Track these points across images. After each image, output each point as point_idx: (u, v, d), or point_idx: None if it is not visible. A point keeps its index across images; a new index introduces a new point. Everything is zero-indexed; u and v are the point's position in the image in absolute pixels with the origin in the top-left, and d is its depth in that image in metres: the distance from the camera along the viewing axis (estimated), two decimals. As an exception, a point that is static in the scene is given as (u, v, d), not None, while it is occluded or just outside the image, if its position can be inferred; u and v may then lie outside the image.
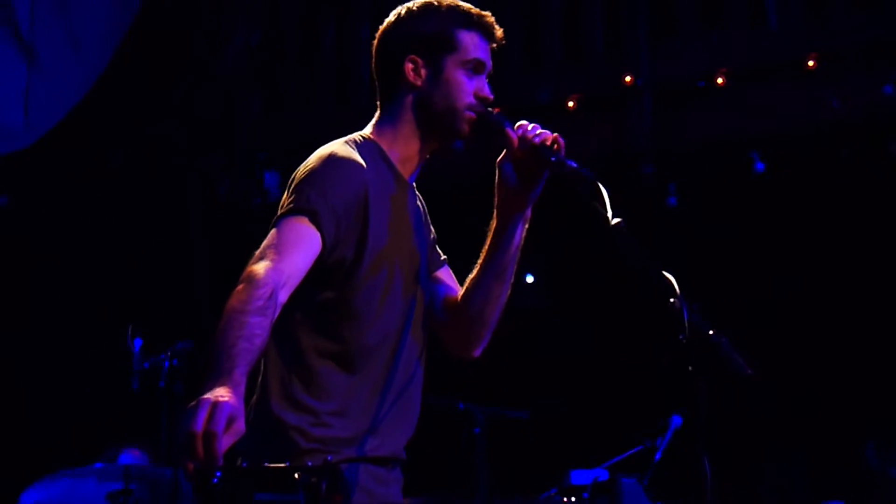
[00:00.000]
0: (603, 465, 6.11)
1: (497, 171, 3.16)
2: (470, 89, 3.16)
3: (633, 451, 6.31)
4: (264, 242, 2.87)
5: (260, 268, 2.76)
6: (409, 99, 3.19)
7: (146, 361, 5.75)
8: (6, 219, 8.57)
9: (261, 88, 8.64)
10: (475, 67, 3.18)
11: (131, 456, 6.44)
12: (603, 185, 2.88)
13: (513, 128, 3.10)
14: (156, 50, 8.74)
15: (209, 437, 2.36)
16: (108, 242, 8.46)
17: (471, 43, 3.18)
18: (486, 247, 3.23)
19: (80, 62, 8.46)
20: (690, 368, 2.60)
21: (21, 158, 8.40)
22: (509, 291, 3.28)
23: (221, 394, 2.44)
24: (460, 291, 3.31)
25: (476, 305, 3.25)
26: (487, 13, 3.24)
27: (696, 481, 2.62)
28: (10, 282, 8.39)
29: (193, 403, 2.41)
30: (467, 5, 3.25)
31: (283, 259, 2.81)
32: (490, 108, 3.17)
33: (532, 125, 3.09)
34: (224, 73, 8.63)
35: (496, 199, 3.19)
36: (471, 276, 3.27)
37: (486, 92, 3.18)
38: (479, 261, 3.25)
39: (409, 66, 3.18)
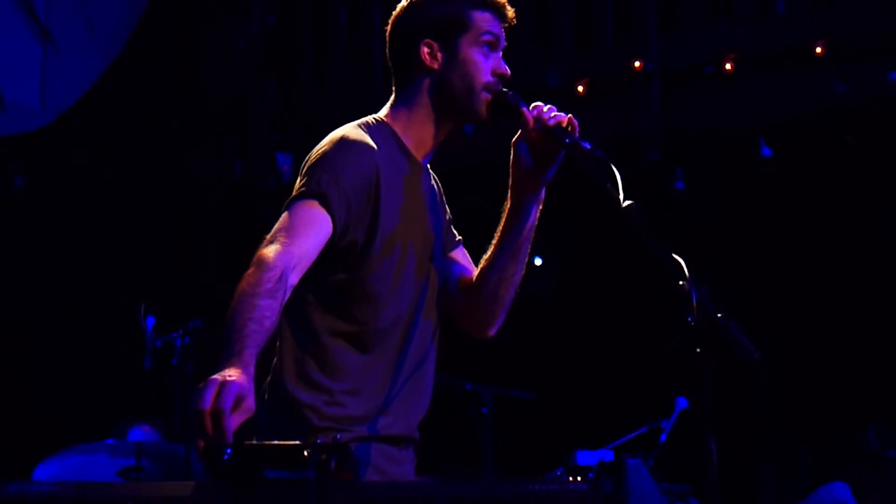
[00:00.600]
0: (608, 446, 6.11)
1: (512, 151, 3.15)
2: (487, 68, 3.14)
3: (638, 432, 6.31)
4: (276, 226, 2.87)
5: (270, 251, 2.76)
6: (426, 82, 3.18)
7: (158, 339, 5.76)
8: (23, 199, 8.57)
9: (275, 71, 8.63)
10: (490, 45, 3.16)
11: (142, 432, 6.45)
12: (613, 167, 2.87)
13: (528, 108, 3.08)
14: (171, 32, 8.74)
15: (217, 414, 2.36)
16: (122, 222, 8.47)
17: (483, 21, 3.16)
18: (501, 227, 3.22)
19: (96, 44, 8.46)
20: (698, 351, 2.59)
21: (36, 139, 8.40)
22: (522, 272, 3.26)
23: (230, 373, 2.44)
24: (475, 271, 3.30)
25: (490, 285, 3.24)
26: None
27: (702, 462, 2.61)
28: (26, 261, 8.39)
29: (202, 383, 2.42)
30: None
31: (294, 242, 2.81)
32: (505, 89, 3.15)
33: (548, 106, 3.06)
34: (238, 54, 8.62)
35: (511, 179, 3.18)
36: (485, 256, 3.26)
37: (503, 68, 3.16)
38: (494, 241, 3.24)
39: (425, 49, 3.16)
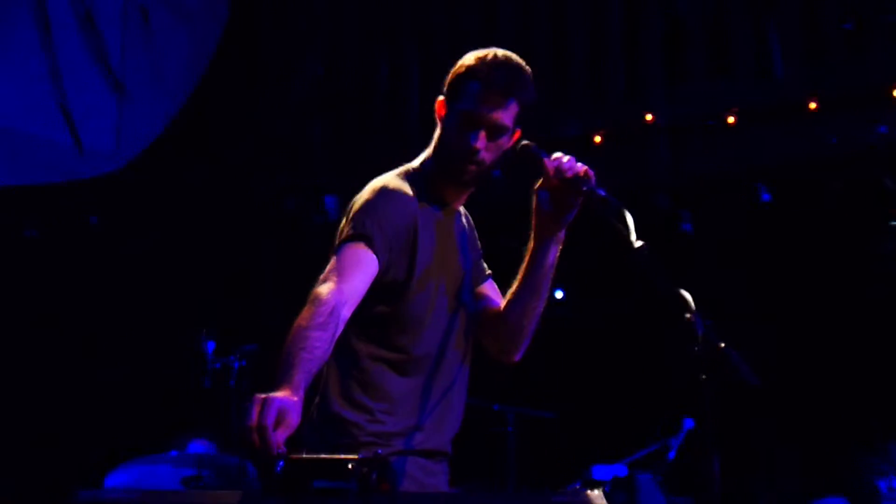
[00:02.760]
0: (622, 462, 6.08)
1: (534, 198, 3.16)
2: (464, 138, 3.07)
3: (649, 449, 6.28)
4: (328, 267, 2.90)
5: (323, 289, 2.79)
6: (437, 134, 3.19)
7: (217, 362, 5.78)
8: (96, 235, 8.63)
9: (323, 117, 8.67)
10: (470, 118, 3.06)
11: (200, 444, 6.47)
12: (626, 212, 2.88)
13: (549, 159, 3.09)
14: (232, 81, 8.80)
15: (261, 429, 2.40)
16: (186, 254, 8.51)
17: (470, 94, 3.07)
18: (524, 265, 3.23)
19: (165, 94, 8.53)
20: (702, 377, 2.59)
21: (109, 181, 8.47)
22: (544, 305, 3.27)
23: (275, 393, 2.48)
24: (502, 303, 3.31)
25: (514, 317, 3.26)
26: (501, 70, 3.08)
27: (707, 479, 2.60)
28: (100, 292, 8.45)
29: (249, 402, 2.46)
30: (490, 63, 3.09)
31: (344, 281, 2.84)
32: (527, 142, 3.14)
33: (567, 157, 3.07)
34: (293, 102, 8.67)
35: (533, 222, 3.19)
36: (510, 290, 3.27)
37: (470, 143, 3.05)
38: (518, 277, 3.25)
39: (439, 102, 3.18)
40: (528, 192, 3.17)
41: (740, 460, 7.33)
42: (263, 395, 2.46)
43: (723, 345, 2.62)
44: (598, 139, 7.67)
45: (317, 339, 2.67)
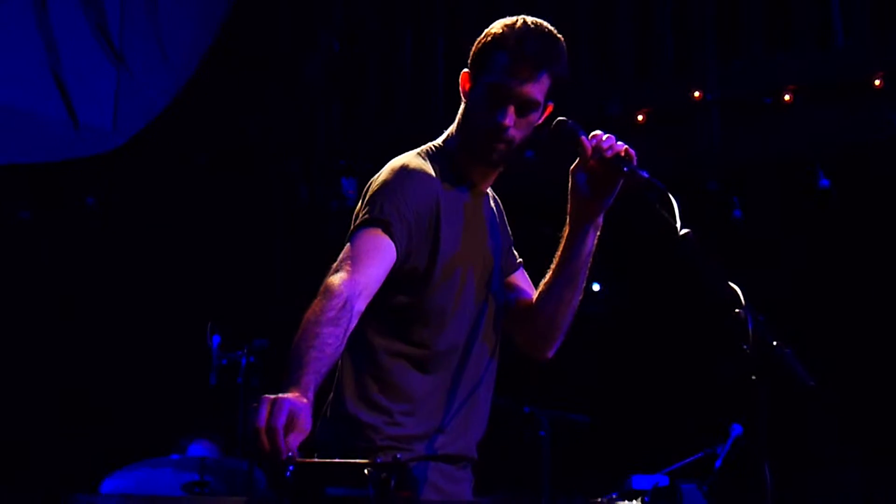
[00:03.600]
0: (663, 471, 6.07)
1: (570, 180, 3.14)
2: (491, 113, 3.04)
3: (693, 457, 6.27)
4: (341, 254, 2.87)
5: (335, 280, 2.76)
6: (462, 109, 3.17)
7: (224, 358, 5.79)
8: (94, 218, 8.67)
9: (340, 97, 8.68)
10: (498, 92, 3.03)
11: (201, 447, 6.48)
12: (671, 196, 2.86)
13: (587, 137, 3.07)
14: (240, 57, 8.82)
15: (271, 431, 2.38)
16: (190, 242, 8.54)
17: (498, 66, 3.04)
18: (559, 253, 3.22)
19: (168, 69, 8.55)
20: (753, 378, 2.57)
21: (108, 161, 8.50)
22: (580, 297, 3.26)
23: (284, 394, 2.46)
24: (535, 294, 3.30)
25: (548, 309, 3.25)
26: (531, 38, 3.03)
27: (756, 489, 2.59)
28: (97, 279, 8.48)
29: (256, 402, 2.45)
30: (524, 26, 3.06)
31: (358, 270, 2.81)
32: (564, 118, 3.12)
33: (606, 135, 3.05)
34: (306, 81, 8.68)
35: (569, 206, 3.17)
36: (544, 280, 3.26)
37: (501, 121, 3.03)
38: (552, 266, 3.24)
39: (464, 75, 3.15)
40: (563, 173, 3.16)
41: (794, 469, 7.31)
42: (273, 396, 2.44)
43: (776, 343, 2.61)
44: (640, 118, 7.65)
45: (328, 336, 2.64)
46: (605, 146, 3.03)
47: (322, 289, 2.75)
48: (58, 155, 8.35)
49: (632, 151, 3.03)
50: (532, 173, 6.31)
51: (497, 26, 3.10)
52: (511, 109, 3.04)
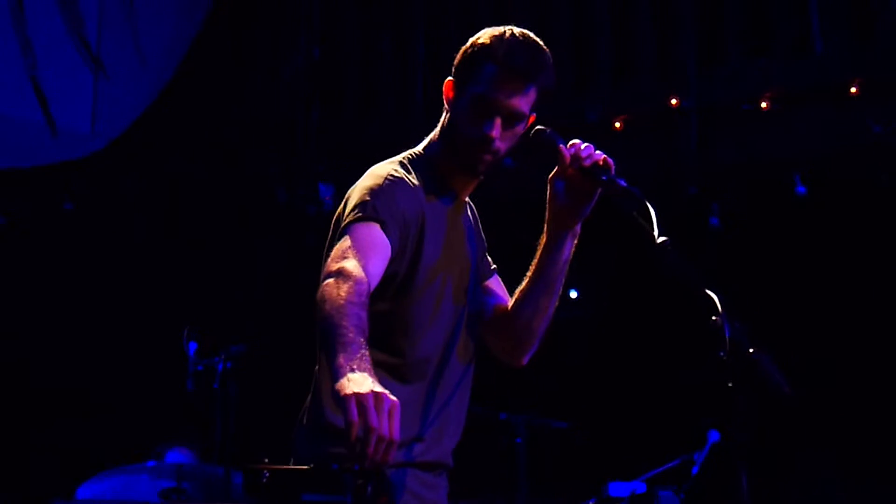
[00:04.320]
0: (641, 478, 6.08)
1: (548, 188, 3.14)
2: (476, 126, 3.03)
3: (670, 464, 6.28)
4: (341, 245, 2.83)
5: (352, 266, 2.73)
6: (445, 117, 3.16)
7: (200, 364, 5.77)
8: (71, 223, 8.64)
9: (320, 102, 8.67)
10: (485, 103, 3.02)
11: (179, 454, 6.46)
12: (649, 204, 2.86)
13: (566, 146, 3.08)
14: (218, 61, 8.80)
15: (382, 441, 2.35)
16: (167, 247, 8.52)
17: (485, 77, 3.02)
18: (536, 260, 3.22)
19: (146, 72, 8.53)
20: (730, 385, 2.58)
21: (86, 165, 8.47)
22: (557, 304, 3.26)
23: (378, 387, 2.40)
24: (510, 301, 3.30)
25: (525, 316, 3.24)
26: (520, 51, 3.03)
27: (733, 496, 2.59)
28: (72, 283, 8.45)
29: (364, 393, 2.36)
30: (513, 38, 3.05)
31: (368, 260, 2.79)
32: (542, 127, 3.12)
33: (585, 144, 3.06)
34: (285, 84, 8.67)
35: (547, 214, 3.17)
36: (520, 287, 3.26)
37: (488, 132, 3.01)
38: (529, 273, 3.24)
39: (448, 83, 3.14)
40: (540, 181, 3.16)
41: (771, 476, 7.32)
42: (376, 391, 2.37)
43: (752, 349, 2.61)
44: (618, 125, 7.66)
45: (363, 319, 2.61)
46: (583, 155, 3.04)
47: (340, 270, 2.71)
48: (35, 159, 8.32)
49: (610, 161, 3.03)
50: (507, 181, 6.32)
51: (485, 36, 3.09)
52: (498, 121, 3.03)
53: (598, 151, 3.05)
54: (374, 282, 2.80)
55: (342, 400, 2.36)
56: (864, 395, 7.42)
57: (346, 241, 2.83)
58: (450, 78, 3.15)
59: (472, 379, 3.24)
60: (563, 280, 3.24)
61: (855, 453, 7.49)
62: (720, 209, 7.49)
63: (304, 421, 3.06)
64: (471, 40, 3.13)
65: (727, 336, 2.60)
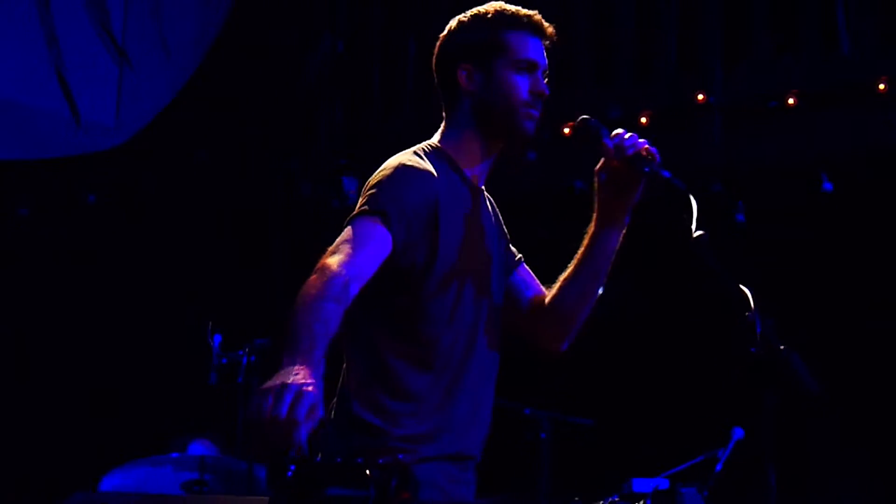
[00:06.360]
0: (664, 474, 6.05)
1: (595, 179, 3.19)
2: (524, 87, 3.17)
3: (694, 461, 6.25)
4: (338, 239, 2.89)
5: (334, 260, 2.79)
6: (468, 105, 3.23)
7: (224, 357, 5.77)
8: (94, 215, 8.66)
9: (343, 96, 8.67)
10: (527, 67, 3.19)
11: (201, 446, 6.47)
12: (691, 197, 2.87)
13: (609, 136, 3.09)
14: (243, 54, 8.81)
15: (291, 424, 2.34)
16: (191, 240, 8.53)
17: (519, 43, 3.19)
18: (583, 249, 3.27)
19: (171, 65, 8.55)
20: (760, 382, 2.56)
21: (109, 157, 8.49)
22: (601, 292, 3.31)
23: (303, 377, 2.43)
24: (548, 290, 3.35)
25: (569, 304, 3.29)
26: (534, 12, 3.25)
27: (757, 494, 2.58)
28: (97, 276, 8.47)
29: (275, 384, 2.39)
30: (514, 7, 3.26)
31: (356, 254, 2.83)
32: (587, 117, 3.16)
33: (629, 134, 3.08)
34: (309, 78, 8.67)
35: (595, 205, 3.22)
36: (563, 276, 3.30)
37: (540, 87, 3.18)
38: (574, 262, 3.29)
39: (462, 73, 3.23)
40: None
41: (796, 475, 7.29)
42: (296, 382, 2.39)
43: (782, 346, 2.60)
44: (643, 120, 7.63)
45: (332, 312, 2.66)
46: (626, 145, 3.06)
47: (320, 267, 2.78)
48: (59, 151, 8.35)
49: (654, 150, 3.05)
50: (525, 175, 6.32)
51: (489, 12, 3.24)
52: (541, 77, 3.20)
53: (641, 140, 3.07)
54: (366, 272, 2.85)
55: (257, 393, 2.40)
56: (892, 395, 7.37)
57: (344, 235, 2.91)
58: (464, 65, 3.22)
59: (497, 370, 3.24)
60: (609, 268, 3.29)
61: (881, 454, 7.44)
62: (745, 206, 7.46)
63: (332, 417, 3.06)
64: (464, 24, 3.27)
65: (758, 333, 2.58)
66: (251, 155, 8.72)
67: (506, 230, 3.40)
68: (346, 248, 2.83)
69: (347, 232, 2.91)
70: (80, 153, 8.42)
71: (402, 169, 3.06)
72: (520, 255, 3.43)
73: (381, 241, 2.91)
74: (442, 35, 3.34)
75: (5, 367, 8.30)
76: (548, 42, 3.24)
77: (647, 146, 3.07)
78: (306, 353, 2.52)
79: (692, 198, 2.87)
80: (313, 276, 2.74)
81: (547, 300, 3.35)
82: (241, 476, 5.67)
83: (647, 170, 3.01)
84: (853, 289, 7.50)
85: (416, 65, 8.52)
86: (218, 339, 5.77)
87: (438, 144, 3.24)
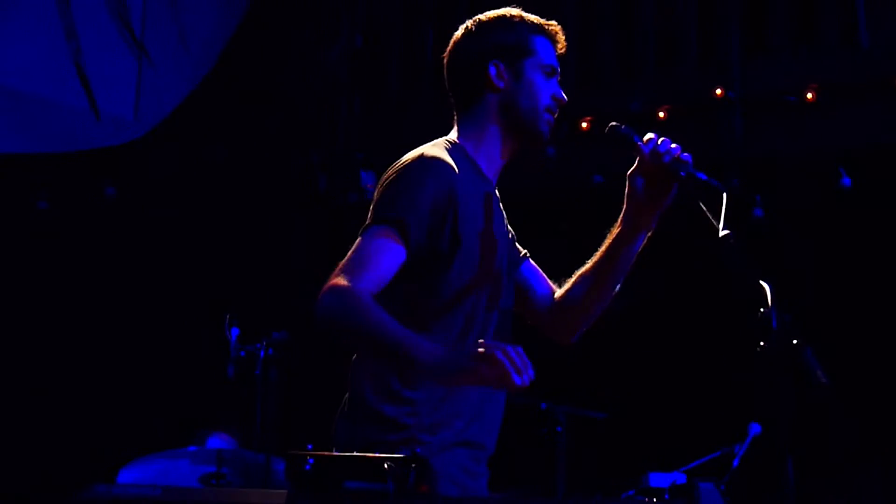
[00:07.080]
0: (681, 469, 6.06)
1: (627, 183, 3.22)
2: (547, 91, 3.27)
3: (711, 456, 6.25)
4: (351, 252, 2.95)
5: (345, 282, 2.87)
6: (493, 102, 3.28)
7: (242, 350, 5.79)
8: (113, 208, 8.68)
9: (361, 89, 8.67)
10: (551, 72, 3.30)
11: (220, 440, 6.49)
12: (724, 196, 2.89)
13: (642, 141, 3.14)
14: (261, 48, 8.82)
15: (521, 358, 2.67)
16: (209, 233, 8.54)
17: (544, 49, 3.31)
18: (604, 248, 3.31)
19: (189, 59, 8.56)
20: (775, 377, 2.57)
21: (128, 151, 8.51)
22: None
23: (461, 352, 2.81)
24: (559, 285, 3.40)
25: (585, 299, 3.35)
26: (553, 22, 3.37)
27: (774, 489, 2.58)
28: (116, 270, 8.49)
29: (493, 351, 2.69)
30: (534, 16, 3.36)
31: (369, 273, 2.91)
32: (616, 123, 3.22)
33: (662, 139, 3.11)
34: (327, 73, 8.68)
35: (625, 208, 3.25)
36: (581, 271, 3.36)
37: (561, 94, 3.30)
38: (594, 260, 3.33)
39: (493, 70, 3.27)
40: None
41: (813, 469, 7.27)
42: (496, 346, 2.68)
43: (796, 341, 2.60)
44: (662, 115, 7.62)
45: (367, 303, 2.86)
46: (661, 150, 3.11)
47: (333, 288, 2.87)
48: (78, 144, 8.37)
49: (686, 156, 3.08)
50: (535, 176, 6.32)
51: (515, 15, 3.35)
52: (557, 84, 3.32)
53: (674, 145, 3.09)
54: (381, 286, 2.94)
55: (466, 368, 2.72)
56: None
57: (357, 248, 2.98)
58: (493, 61, 3.27)
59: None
60: (629, 268, 3.34)
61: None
62: (764, 201, 7.44)
63: (346, 410, 3.08)
64: (492, 23, 3.35)
65: (773, 327, 2.59)
66: (269, 148, 8.73)
67: (510, 228, 3.43)
68: (357, 268, 2.92)
69: (360, 245, 2.97)
70: (99, 147, 8.44)
71: (421, 161, 3.10)
72: (525, 251, 3.48)
73: (396, 254, 2.97)
74: (459, 34, 3.39)
75: (26, 359, 8.33)
76: (560, 53, 3.36)
77: (680, 151, 3.10)
78: (411, 338, 2.80)
79: (724, 196, 2.89)
80: (340, 298, 2.86)
81: (560, 294, 3.40)
82: (258, 469, 5.68)
83: (683, 174, 3.04)
84: (872, 283, 7.49)
85: (435, 59, 8.52)
86: (235, 332, 5.78)
87: (457, 140, 3.28)
